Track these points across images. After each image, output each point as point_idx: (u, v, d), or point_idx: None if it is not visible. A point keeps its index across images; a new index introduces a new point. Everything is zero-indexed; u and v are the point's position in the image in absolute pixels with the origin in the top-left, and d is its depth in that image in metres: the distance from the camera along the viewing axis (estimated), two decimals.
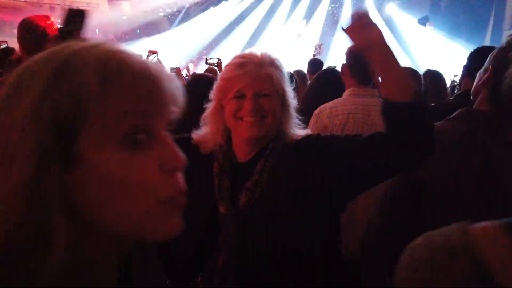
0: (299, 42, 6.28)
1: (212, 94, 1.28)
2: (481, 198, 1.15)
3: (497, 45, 1.29)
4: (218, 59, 5.28)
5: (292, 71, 3.71)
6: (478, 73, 1.34)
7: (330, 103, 2.10)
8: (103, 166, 0.45)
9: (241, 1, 18.14)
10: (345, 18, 15.18)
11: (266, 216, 1.17)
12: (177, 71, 5.59)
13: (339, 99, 2.12)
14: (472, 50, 2.29)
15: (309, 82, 3.63)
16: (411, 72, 2.89)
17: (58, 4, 21.35)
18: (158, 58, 4.15)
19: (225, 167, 1.25)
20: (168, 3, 19.34)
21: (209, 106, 1.30)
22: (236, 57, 1.25)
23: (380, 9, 14.17)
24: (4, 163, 0.43)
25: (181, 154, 0.50)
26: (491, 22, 12.92)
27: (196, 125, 1.33)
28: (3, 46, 4.92)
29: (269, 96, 1.19)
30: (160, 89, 0.49)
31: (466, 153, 1.18)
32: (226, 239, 1.18)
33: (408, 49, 13.28)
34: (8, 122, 0.44)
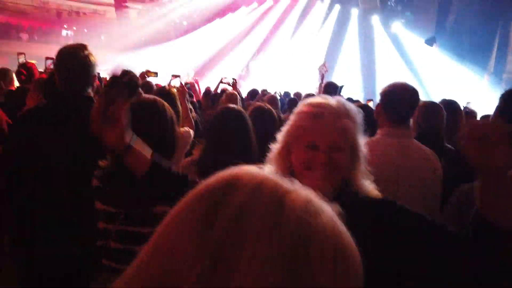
0: (320, 69, 6.24)
1: (280, 136, 1.23)
2: None
3: (502, 68, 1.23)
4: (233, 79, 5.27)
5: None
6: None
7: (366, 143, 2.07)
8: None
9: (248, 13, 18.29)
10: (351, 36, 15.31)
11: None
12: (191, 85, 5.58)
13: (373, 139, 2.09)
14: (504, 92, 2.28)
15: None
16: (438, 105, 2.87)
17: (65, 9, 21.47)
18: (181, 82, 4.12)
19: None
20: (175, 13, 19.45)
21: (276, 147, 1.24)
22: (310, 104, 1.19)
23: (386, 28, 14.31)
24: None
25: None
26: (496, 44, 13.04)
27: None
28: (21, 59, 4.78)
29: (342, 149, 1.14)
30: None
31: None
32: None
33: (414, 69, 13.35)
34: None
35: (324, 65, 6.39)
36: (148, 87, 3.42)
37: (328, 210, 0.45)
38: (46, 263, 1.78)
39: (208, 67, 20.06)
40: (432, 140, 2.60)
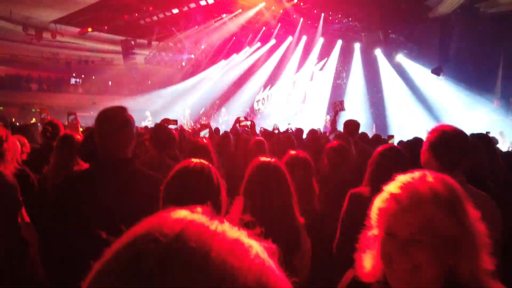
0: (335, 106, 6.23)
1: (372, 220, 1.05)
2: None
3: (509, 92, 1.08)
4: (251, 121, 5.24)
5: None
6: None
7: None
8: None
9: (251, 54, 18.69)
10: (355, 70, 15.48)
11: None
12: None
13: None
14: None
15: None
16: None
17: (74, 59, 22.14)
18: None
19: None
20: (181, 56, 19.96)
21: (369, 231, 1.06)
22: (401, 189, 0.99)
23: (390, 60, 14.45)
24: None
25: None
26: (500, 72, 13.09)
27: None
28: (43, 115, 4.70)
29: (424, 242, 0.94)
30: None
31: None
32: None
33: (424, 99, 13.34)
34: None
35: (341, 103, 6.37)
36: (182, 136, 3.41)
37: (257, 247, 0.45)
38: None
39: (216, 107, 20.30)
40: (477, 179, 2.45)
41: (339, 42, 16.08)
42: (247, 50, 18.59)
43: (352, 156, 3.74)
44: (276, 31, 16.80)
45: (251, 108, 19.49)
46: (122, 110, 1.88)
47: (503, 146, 8.63)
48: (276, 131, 8.06)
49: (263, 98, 19.59)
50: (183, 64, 20.90)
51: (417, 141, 4.01)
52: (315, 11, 13.91)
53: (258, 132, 7.42)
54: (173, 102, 19.18)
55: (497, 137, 8.24)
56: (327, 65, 16.74)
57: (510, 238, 1.99)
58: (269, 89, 19.36)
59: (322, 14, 13.90)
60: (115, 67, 23.16)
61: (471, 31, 12.53)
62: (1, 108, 18.53)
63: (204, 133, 3.96)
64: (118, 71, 23.59)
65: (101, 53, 21.39)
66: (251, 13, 14.67)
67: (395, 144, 5.24)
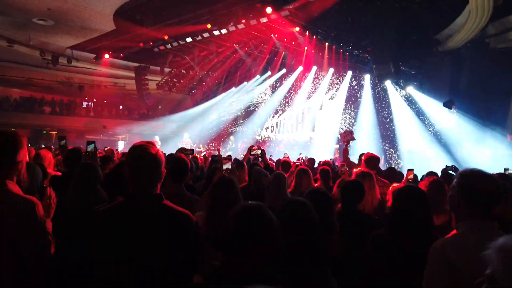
0: (346, 136, 6.18)
1: None
2: None
3: None
4: (262, 150, 5.21)
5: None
6: None
7: (451, 238, 1.83)
8: None
9: (261, 82, 18.92)
10: (365, 101, 15.52)
11: None
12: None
13: (459, 233, 1.85)
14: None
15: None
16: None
17: (87, 83, 22.58)
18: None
19: None
20: (192, 83, 20.25)
21: None
22: None
23: (400, 92, 14.47)
24: None
25: None
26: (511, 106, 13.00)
27: None
28: (62, 142, 4.70)
29: None
30: None
31: None
32: None
33: (436, 133, 13.25)
34: None
35: (351, 132, 6.32)
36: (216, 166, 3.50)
37: None
38: None
39: (225, 135, 20.38)
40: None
41: (349, 73, 16.22)
42: (257, 78, 18.84)
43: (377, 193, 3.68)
44: (286, 60, 17.06)
45: (262, 136, 19.54)
46: (151, 146, 1.91)
47: None
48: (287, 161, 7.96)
49: (272, 126, 19.65)
50: (193, 91, 21.18)
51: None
52: (327, 43, 14.13)
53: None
54: (183, 128, 19.32)
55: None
56: (337, 95, 16.83)
57: None
58: (278, 116, 19.45)
59: (334, 46, 14.11)
60: (127, 91, 23.55)
61: (482, 64, 12.56)
62: (13, 129, 18.76)
63: (227, 165, 3.90)
64: (130, 95, 23.97)
65: (114, 78, 21.81)
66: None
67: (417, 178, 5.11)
